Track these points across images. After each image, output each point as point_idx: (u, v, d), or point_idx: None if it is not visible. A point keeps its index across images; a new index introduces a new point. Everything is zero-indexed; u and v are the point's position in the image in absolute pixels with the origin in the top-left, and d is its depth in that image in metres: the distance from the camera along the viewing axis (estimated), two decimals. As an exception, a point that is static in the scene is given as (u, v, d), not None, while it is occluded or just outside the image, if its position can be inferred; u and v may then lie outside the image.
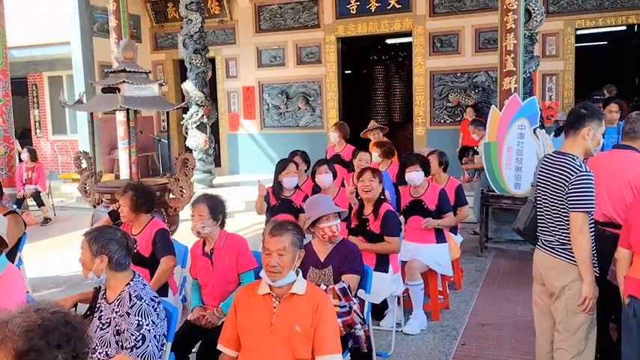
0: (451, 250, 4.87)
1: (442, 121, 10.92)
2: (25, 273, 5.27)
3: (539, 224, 3.12)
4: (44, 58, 12.63)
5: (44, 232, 8.56)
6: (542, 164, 3.10)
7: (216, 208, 3.50)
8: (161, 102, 5.22)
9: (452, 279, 5.20)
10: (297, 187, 4.95)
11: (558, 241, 2.98)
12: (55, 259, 6.83)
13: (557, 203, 2.96)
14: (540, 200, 3.09)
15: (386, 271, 4.07)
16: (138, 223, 3.88)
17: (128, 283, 2.56)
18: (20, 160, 9.50)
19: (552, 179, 2.98)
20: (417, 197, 4.68)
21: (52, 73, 13.10)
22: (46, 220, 9.16)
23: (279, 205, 4.85)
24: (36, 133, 13.52)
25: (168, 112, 5.77)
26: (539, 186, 3.09)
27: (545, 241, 3.08)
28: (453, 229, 5.24)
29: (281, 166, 4.89)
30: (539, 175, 3.09)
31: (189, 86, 10.48)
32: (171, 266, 3.79)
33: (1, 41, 8.93)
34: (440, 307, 4.71)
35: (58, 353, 1.37)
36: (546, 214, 3.04)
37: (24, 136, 13.78)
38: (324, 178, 4.93)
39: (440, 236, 4.66)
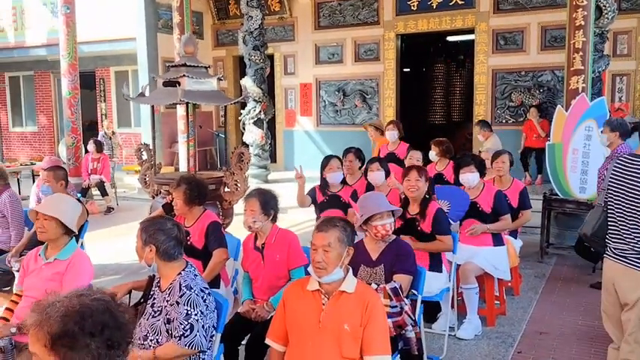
0: (510, 257, 4.70)
1: (504, 121, 10.58)
2: (87, 259, 5.47)
3: (610, 231, 2.93)
4: (111, 54, 13.10)
5: (107, 220, 8.88)
6: (616, 167, 2.90)
7: (267, 204, 3.50)
8: (219, 96, 5.29)
9: (509, 284, 5.03)
10: (344, 182, 4.93)
11: (634, 250, 2.78)
12: (117, 247, 7.07)
13: (634, 208, 2.77)
14: (613, 205, 2.89)
15: (440, 270, 4.01)
16: (191, 216, 3.93)
17: (180, 273, 2.60)
18: (87, 151, 9.90)
19: (629, 183, 2.80)
20: (471, 199, 4.54)
21: (119, 68, 13.57)
22: (109, 210, 9.50)
23: (326, 201, 4.86)
24: (102, 126, 14.04)
25: (225, 107, 5.84)
26: (612, 190, 2.89)
27: (615, 249, 2.88)
28: (513, 233, 5.07)
29: (324, 163, 4.91)
30: (612, 178, 2.89)
31: (247, 82, 10.60)
32: (223, 259, 3.83)
33: (72, 36, 9.31)
34: (496, 313, 4.55)
35: (91, 341, 1.33)
36: (619, 221, 2.85)
37: (90, 128, 14.34)
38: (376, 175, 4.87)
39: (497, 239, 4.50)
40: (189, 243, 3.77)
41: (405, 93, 12.44)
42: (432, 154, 6.12)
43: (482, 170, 4.58)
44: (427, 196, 4.09)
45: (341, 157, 5.13)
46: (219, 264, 3.80)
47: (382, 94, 11.70)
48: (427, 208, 4.02)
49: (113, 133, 11.82)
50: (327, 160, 4.91)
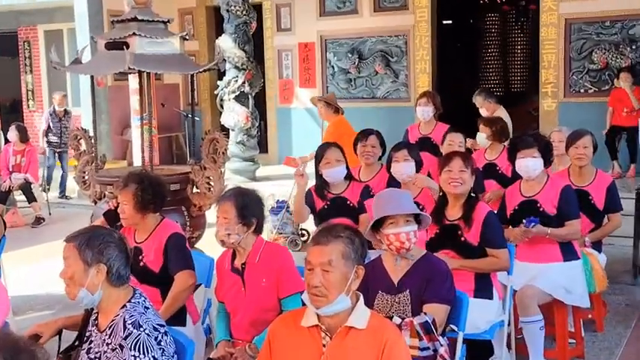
0: (596, 278, 4.70)
1: (582, 90, 10.55)
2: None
3: None
4: (39, 7, 13.15)
5: (36, 235, 8.94)
6: None
7: (247, 208, 3.49)
8: (184, 62, 5.32)
9: (589, 315, 5.02)
10: (349, 178, 4.91)
11: None
12: (48, 272, 7.09)
13: None
14: None
15: (490, 297, 4.01)
16: (143, 227, 3.94)
17: (124, 305, 2.60)
18: (7, 141, 9.94)
19: None
20: (529, 197, 4.52)
21: (50, 27, 13.64)
22: (39, 221, 9.55)
23: (328, 208, 4.84)
24: (28, 106, 14.12)
25: (192, 77, 5.83)
26: None
27: None
28: (597, 245, 5.06)
29: (319, 154, 4.87)
30: None
31: (226, 43, 10.61)
32: (189, 285, 3.85)
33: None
34: (570, 355, 4.55)
35: None
36: None
37: (13, 110, 14.43)
38: (403, 167, 4.86)
39: (569, 251, 4.47)
40: (141, 264, 3.79)
41: (445, 54, 12.43)
42: (482, 137, 6.09)
43: (547, 156, 4.56)
44: (473, 195, 4.08)
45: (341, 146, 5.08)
46: (184, 293, 3.81)
47: (412, 55, 11.68)
48: (474, 210, 4.01)
49: (66, 112, 11.19)
50: (322, 150, 4.89)
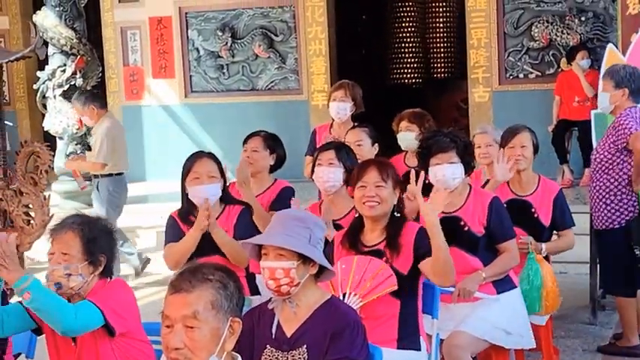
0: (545, 296, 4.85)
1: (521, 74, 10.86)
2: None
3: None
4: None
5: None
6: None
7: (94, 243, 3.49)
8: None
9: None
10: (228, 200, 4.89)
11: None
12: None
13: None
14: None
15: (417, 347, 4.06)
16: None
17: None
18: None
19: None
20: (449, 213, 4.57)
21: None
22: None
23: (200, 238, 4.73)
24: None
25: (2, 68, 5.72)
26: None
27: None
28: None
29: (186, 165, 4.79)
30: None
31: (48, 19, 10.43)
32: None
33: None
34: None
35: None
36: None
37: None
38: (324, 173, 4.84)
39: (502, 280, 4.58)
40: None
41: (346, 31, 12.59)
42: (407, 137, 6.07)
43: (468, 160, 4.67)
44: (397, 214, 4.14)
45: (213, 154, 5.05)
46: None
47: (303, 33, 11.79)
48: (400, 233, 4.06)
49: None
50: (191, 161, 4.81)
